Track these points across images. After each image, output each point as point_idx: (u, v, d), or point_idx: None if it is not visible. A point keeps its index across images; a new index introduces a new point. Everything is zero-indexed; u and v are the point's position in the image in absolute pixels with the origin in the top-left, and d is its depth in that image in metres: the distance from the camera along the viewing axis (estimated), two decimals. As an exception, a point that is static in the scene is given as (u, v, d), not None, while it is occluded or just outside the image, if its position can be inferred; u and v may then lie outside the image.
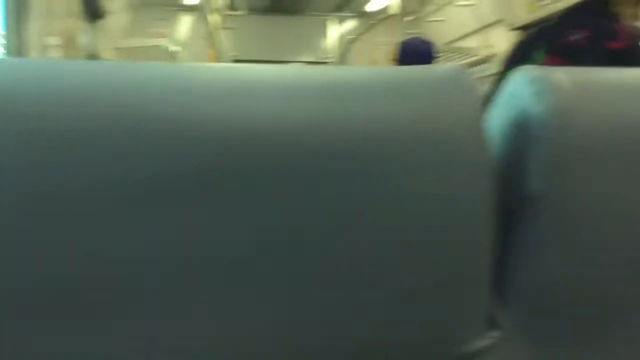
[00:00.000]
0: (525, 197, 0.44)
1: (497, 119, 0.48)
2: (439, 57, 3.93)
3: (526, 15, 4.34)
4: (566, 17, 1.45)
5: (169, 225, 0.37)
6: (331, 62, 6.03)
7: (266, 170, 0.38)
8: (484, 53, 4.92)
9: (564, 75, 0.44)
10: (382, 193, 0.39)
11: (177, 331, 0.38)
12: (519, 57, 1.50)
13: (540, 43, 1.45)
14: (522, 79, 0.46)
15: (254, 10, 5.49)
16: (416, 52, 2.65)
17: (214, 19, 2.58)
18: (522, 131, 0.44)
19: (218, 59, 2.68)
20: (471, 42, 5.03)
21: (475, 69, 5.08)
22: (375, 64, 5.61)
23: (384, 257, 0.40)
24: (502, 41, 4.75)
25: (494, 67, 4.77)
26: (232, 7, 4.45)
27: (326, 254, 0.39)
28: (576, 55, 1.36)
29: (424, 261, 0.41)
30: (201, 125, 0.37)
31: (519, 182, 0.44)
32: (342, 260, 0.39)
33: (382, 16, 5.33)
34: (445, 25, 4.72)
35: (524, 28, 4.52)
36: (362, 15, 5.95)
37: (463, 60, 5.01)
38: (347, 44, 6.06)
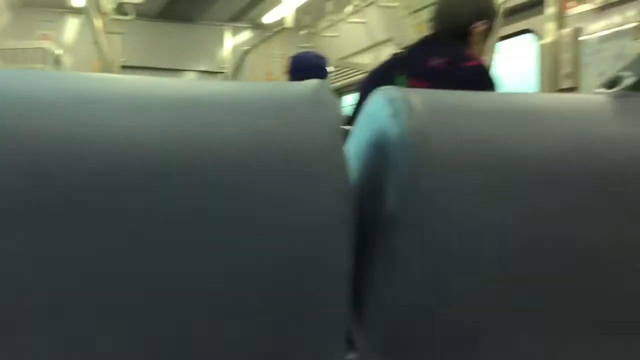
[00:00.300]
0: (382, 218, 0.43)
1: (357, 139, 0.48)
2: (332, 71, 4.00)
3: (415, 35, 4.52)
4: (423, 47, 1.64)
5: (37, 243, 0.35)
6: (226, 72, 5.99)
7: (112, 189, 0.36)
8: (377, 70, 5.07)
9: (419, 97, 0.45)
10: (234, 214, 0.38)
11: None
12: (379, 83, 1.44)
13: (399, 70, 1.60)
14: (381, 100, 0.45)
15: (145, 15, 5.34)
16: (308, 66, 2.68)
17: (100, 22, 2.49)
18: (380, 151, 0.44)
19: (103, 65, 2.58)
20: (364, 59, 5.16)
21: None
22: (269, 75, 5.63)
23: (238, 279, 0.39)
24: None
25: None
26: (121, 11, 4.31)
27: (175, 273, 0.38)
28: (439, 77, 1.51)
29: (279, 284, 0.40)
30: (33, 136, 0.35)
31: (377, 203, 0.44)
32: (196, 279, 0.38)
33: (278, 29, 5.36)
34: (339, 41, 4.81)
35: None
36: (258, 26, 5.96)
37: (356, 75, 5.14)
38: (242, 55, 6.04)
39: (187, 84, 0.41)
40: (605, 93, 0.52)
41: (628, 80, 0.52)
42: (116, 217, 0.36)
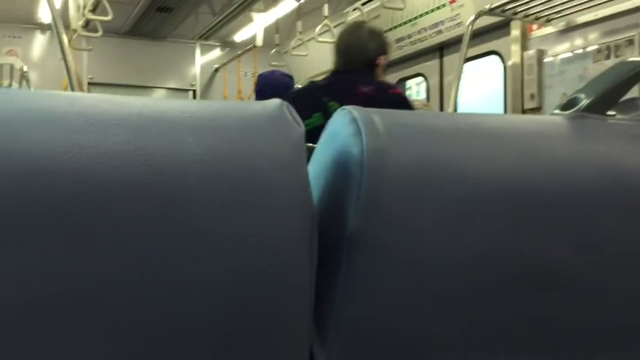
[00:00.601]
0: (343, 235, 0.44)
1: (319, 157, 0.48)
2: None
3: (384, 55, 4.57)
4: (345, 76, 1.94)
5: None
6: (196, 90, 5.97)
7: (70, 207, 0.36)
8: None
9: (380, 117, 0.45)
10: (195, 232, 0.38)
11: None
12: (313, 106, 1.85)
13: (329, 96, 1.87)
14: (343, 119, 0.46)
15: (114, 32, 5.31)
16: (275, 84, 2.70)
17: (67, 38, 2.46)
18: (341, 170, 0.45)
19: (70, 81, 2.55)
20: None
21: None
22: (240, 93, 5.63)
23: (197, 297, 0.38)
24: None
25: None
26: (89, 27, 4.27)
27: (132, 291, 0.37)
28: (369, 103, 1.60)
29: (242, 303, 0.39)
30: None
31: (338, 220, 0.44)
32: (154, 297, 0.38)
33: (248, 47, 5.36)
34: (309, 60, 4.83)
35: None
36: (228, 44, 5.96)
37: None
38: (212, 73, 6.03)
39: (150, 102, 0.42)
40: (562, 114, 0.53)
41: (583, 102, 0.53)
42: (73, 236, 0.36)
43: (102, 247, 0.36)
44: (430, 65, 4.40)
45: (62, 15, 4.43)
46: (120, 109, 0.39)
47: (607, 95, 0.54)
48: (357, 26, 2.08)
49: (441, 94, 4.35)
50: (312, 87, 2.05)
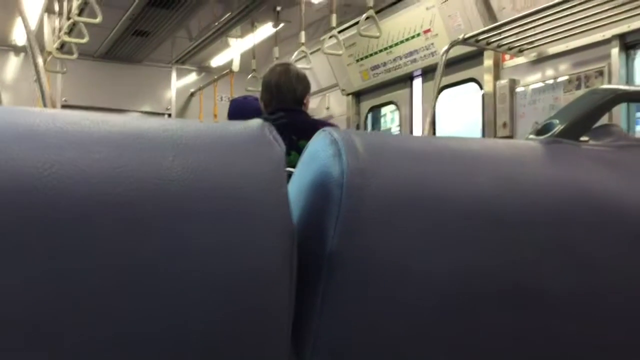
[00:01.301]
0: (323, 257, 0.44)
1: (299, 178, 0.48)
2: None
3: (359, 82, 4.63)
4: (298, 115, 2.19)
5: None
6: (171, 114, 5.95)
7: (45, 226, 0.35)
8: (323, 114, 5.14)
9: (361, 139, 0.46)
10: (173, 253, 0.38)
11: None
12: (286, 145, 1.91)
13: (293, 133, 2.07)
14: (323, 140, 0.46)
15: (89, 55, 5.29)
16: (244, 109, 2.75)
17: (41, 61, 2.45)
18: (322, 191, 0.45)
19: (43, 103, 2.53)
20: (311, 104, 5.23)
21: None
22: (215, 118, 5.63)
23: (178, 318, 0.38)
24: (338, 104, 5.01)
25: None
26: (64, 50, 4.26)
27: (105, 317, 0.37)
28: None
29: (220, 322, 0.39)
30: None
31: (318, 242, 0.44)
32: (129, 324, 0.37)
33: (225, 72, 5.38)
34: (285, 86, 4.86)
35: (355, 94, 4.81)
36: (205, 69, 5.97)
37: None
38: (189, 97, 6.02)
39: (131, 120, 0.41)
40: (536, 139, 0.54)
41: (557, 128, 0.54)
42: (51, 253, 0.35)
43: (80, 265, 0.36)
44: (402, 93, 4.47)
45: (37, 37, 4.41)
46: (102, 127, 0.39)
47: (581, 122, 0.55)
48: (285, 69, 2.29)
49: (411, 121, 4.43)
50: (277, 125, 2.07)
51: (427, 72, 4.06)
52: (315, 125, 2.14)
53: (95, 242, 0.36)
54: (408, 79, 4.51)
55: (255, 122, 0.45)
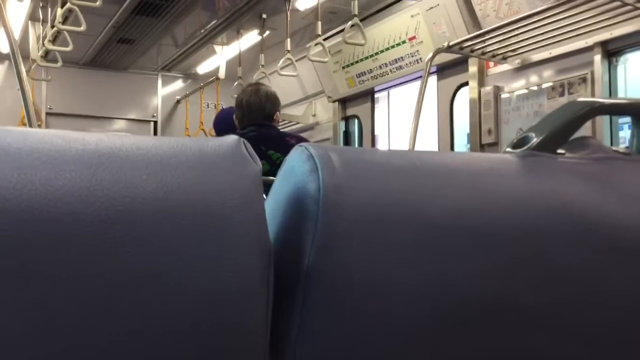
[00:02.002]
0: (299, 273, 0.44)
1: (276, 193, 0.48)
2: None
3: (345, 89, 4.64)
4: (268, 130, 2.47)
5: None
6: (157, 121, 5.92)
7: (19, 246, 0.35)
8: (309, 121, 5.14)
9: (337, 154, 0.46)
10: (150, 271, 0.37)
11: None
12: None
13: (265, 146, 2.37)
14: (300, 155, 0.46)
15: (74, 62, 5.26)
16: (228, 118, 2.84)
17: (24, 69, 2.44)
18: (298, 207, 0.45)
19: (27, 112, 2.51)
20: (298, 111, 5.24)
21: (302, 135, 5.30)
22: (201, 125, 5.61)
23: (153, 337, 0.38)
24: (324, 111, 5.02)
25: (319, 135, 5.03)
26: (49, 57, 4.23)
27: (88, 333, 0.36)
28: None
29: (196, 340, 0.39)
30: None
31: (294, 258, 0.44)
32: (106, 342, 0.37)
33: (211, 79, 5.37)
34: (271, 93, 4.86)
35: (342, 101, 4.82)
36: (191, 76, 5.95)
37: (289, 127, 5.19)
38: (175, 104, 6.00)
39: (105, 138, 0.41)
40: (513, 152, 0.55)
41: (534, 141, 0.55)
42: (23, 274, 0.35)
43: (54, 286, 0.35)
44: (364, 108, 4.66)
45: (22, 45, 4.38)
46: (75, 145, 0.39)
47: (557, 134, 0.56)
48: (256, 89, 2.57)
49: (372, 137, 4.60)
50: (247, 138, 2.34)
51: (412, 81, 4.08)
52: (283, 137, 2.45)
53: (68, 262, 0.36)
54: (369, 94, 4.58)
55: (231, 139, 0.45)
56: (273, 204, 0.48)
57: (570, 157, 0.56)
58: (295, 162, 0.47)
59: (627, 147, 0.61)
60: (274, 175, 0.47)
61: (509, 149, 0.56)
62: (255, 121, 2.48)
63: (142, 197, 0.38)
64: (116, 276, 0.37)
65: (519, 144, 0.55)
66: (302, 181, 0.45)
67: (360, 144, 4.76)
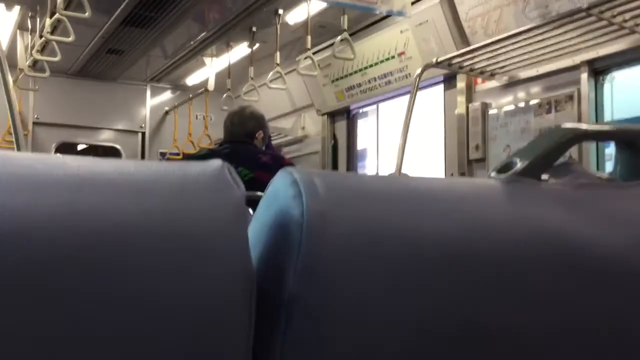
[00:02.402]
0: (282, 300, 0.43)
1: (259, 218, 0.48)
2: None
3: (334, 102, 4.65)
4: (242, 146, 2.62)
5: None
6: (145, 132, 5.91)
7: (7, 272, 0.34)
8: (298, 134, 5.15)
9: (321, 180, 0.46)
10: (131, 298, 0.37)
11: None
12: None
13: (235, 163, 2.54)
14: (284, 180, 0.46)
15: (62, 72, 5.23)
16: None
17: (12, 77, 2.43)
18: (282, 232, 0.45)
19: (12, 122, 2.50)
20: (286, 123, 5.24)
21: (291, 147, 5.31)
22: (190, 137, 5.60)
23: None
24: (313, 124, 5.03)
25: (307, 147, 5.04)
26: (37, 67, 4.22)
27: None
28: (270, 169, 2.42)
29: None
30: None
31: (277, 284, 0.44)
32: None
33: (200, 91, 5.37)
34: (260, 105, 4.87)
35: (331, 114, 4.83)
36: (180, 87, 5.94)
37: (278, 139, 5.20)
38: (163, 115, 5.99)
39: (87, 162, 0.41)
40: (497, 178, 0.55)
41: (518, 166, 0.55)
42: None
43: (33, 316, 0.35)
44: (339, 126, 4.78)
45: (10, 54, 4.36)
46: (55, 170, 0.39)
47: (541, 160, 0.56)
48: (242, 109, 2.78)
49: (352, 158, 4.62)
50: (218, 154, 2.65)
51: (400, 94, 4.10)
52: (255, 154, 2.58)
53: (48, 291, 0.35)
54: (345, 112, 4.63)
55: (216, 163, 0.44)
56: (257, 229, 0.48)
57: (553, 183, 0.56)
58: (279, 187, 0.47)
59: (610, 174, 0.61)
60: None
61: (493, 174, 0.56)
62: (235, 138, 2.64)
63: (123, 223, 0.38)
64: (95, 302, 0.36)
65: (503, 169, 0.56)
66: (285, 206, 0.45)
67: (347, 163, 4.79)
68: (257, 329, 0.43)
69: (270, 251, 0.45)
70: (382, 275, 0.45)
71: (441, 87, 3.75)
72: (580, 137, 0.58)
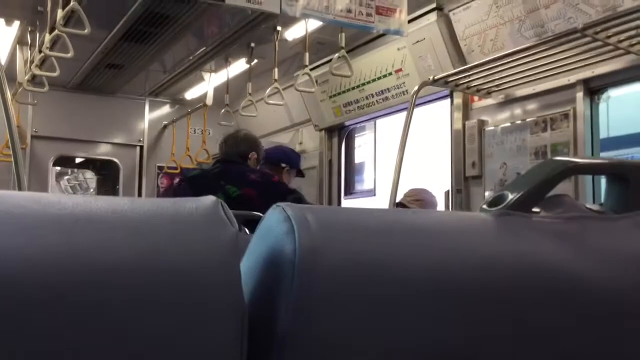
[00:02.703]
0: (274, 336, 0.44)
1: (252, 254, 0.49)
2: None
3: (332, 118, 4.66)
4: (232, 166, 2.75)
5: None
6: (143, 145, 5.91)
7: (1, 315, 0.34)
8: (296, 149, 5.16)
9: (314, 215, 0.46)
10: (121, 339, 0.37)
11: None
12: (210, 189, 2.46)
13: (225, 181, 2.62)
14: (276, 216, 0.47)
15: (61, 85, 5.24)
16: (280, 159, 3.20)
17: (9, 93, 2.44)
18: (274, 269, 0.45)
19: (11, 136, 2.50)
20: (284, 138, 5.25)
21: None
22: (187, 151, 5.61)
23: None
24: (311, 139, 5.04)
25: (305, 163, 5.04)
26: (36, 81, 4.23)
27: None
28: (260, 187, 2.59)
29: None
30: None
31: (269, 320, 0.44)
32: None
33: (198, 105, 5.38)
34: (258, 120, 4.88)
35: (328, 130, 4.84)
36: (178, 102, 5.95)
37: (275, 154, 5.21)
38: (161, 129, 5.99)
39: (82, 201, 0.41)
40: (488, 211, 0.55)
41: (509, 200, 0.56)
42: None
43: (26, 355, 0.35)
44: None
45: (9, 68, 4.37)
46: (50, 210, 0.39)
47: (532, 193, 0.56)
48: (236, 132, 2.99)
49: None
50: (208, 174, 2.85)
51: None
52: (244, 172, 2.69)
53: (41, 332, 0.35)
54: (336, 129, 4.63)
55: (209, 200, 0.45)
56: (249, 265, 0.48)
57: (545, 216, 0.56)
58: (272, 223, 0.47)
59: (600, 205, 0.62)
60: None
61: (484, 207, 0.56)
62: (227, 158, 2.80)
63: (116, 262, 0.38)
64: (88, 343, 0.37)
65: (494, 202, 0.56)
66: (278, 242, 0.45)
67: (345, 178, 4.79)
68: None
69: (263, 287, 0.46)
70: (373, 309, 0.45)
71: (446, 102, 3.72)
72: (571, 170, 0.58)
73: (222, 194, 2.53)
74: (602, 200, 0.62)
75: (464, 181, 3.48)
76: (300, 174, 3.28)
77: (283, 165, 3.08)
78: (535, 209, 0.57)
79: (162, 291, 0.39)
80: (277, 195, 2.51)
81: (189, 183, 2.81)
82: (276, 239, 0.46)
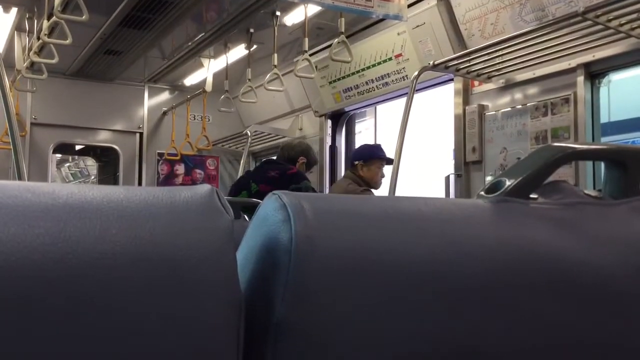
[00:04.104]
0: (271, 323, 0.44)
1: (249, 242, 0.48)
2: (250, 135, 4.25)
3: (331, 104, 4.65)
4: (264, 166, 3.27)
5: None
6: (143, 132, 5.90)
7: None
8: (295, 135, 5.15)
9: (310, 204, 0.46)
10: (117, 328, 0.37)
11: None
12: (242, 187, 3.13)
13: (252, 179, 3.11)
14: (273, 204, 0.46)
15: (60, 72, 5.22)
16: (366, 153, 3.55)
17: (7, 80, 2.43)
18: (270, 257, 0.45)
19: (9, 123, 2.50)
20: (284, 124, 5.24)
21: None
22: (187, 137, 5.60)
23: None
24: (311, 125, 5.03)
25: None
26: (34, 68, 4.21)
27: None
28: (275, 182, 2.99)
29: None
30: None
31: (265, 308, 0.44)
32: None
33: (198, 91, 5.36)
34: (258, 106, 4.87)
35: (328, 115, 4.82)
36: (178, 88, 5.94)
37: (275, 140, 5.20)
38: (161, 116, 5.98)
39: (76, 190, 0.41)
40: (486, 197, 0.55)
41: (507, 186, 0.55)
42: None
43: (21, 348, 0.35)
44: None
45: (7, 55, 4.35)
46: (44, 199, 0.39)
47: (530, 179, 0.56)
48: (293, 139, 3.64)
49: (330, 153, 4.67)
50: (247, 173, 3.41)
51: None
52: (266, 170, 3.14)
53: (36, 322, 0.35)
54: (342, 113, 4.62)
55: (204, 189, 0.45)
56: (246, 252, 0.48)
57: (542, 202, 0.56)
58: (268, 211, 0.47)
59: (599, 191, 0.61)
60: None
61: (482, 194, 0.56)
62: (271, 160, 3.33)
63: (111, 252, 0.38)
64: (83, 335, 0.37)
65: (492, 188, 0.56)
66: (274, 231, 0.45)
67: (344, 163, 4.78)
68: (246, 352, 0.43)
69: (259, 275, 0.46)
70: (369, 297, 0.45)
71: (447, 86, 3.70)
72: (569, 156, 0.58)
73: (246, 190, 3.01)
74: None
75: (464, 166, 3.48)
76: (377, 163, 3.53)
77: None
78: (533, 195, 0.56)
79: (158, 280, 0.39)
80: (284, 186, 2.84)
81: (236, 182, 3.34)
82: (272, 227, 0.45)
